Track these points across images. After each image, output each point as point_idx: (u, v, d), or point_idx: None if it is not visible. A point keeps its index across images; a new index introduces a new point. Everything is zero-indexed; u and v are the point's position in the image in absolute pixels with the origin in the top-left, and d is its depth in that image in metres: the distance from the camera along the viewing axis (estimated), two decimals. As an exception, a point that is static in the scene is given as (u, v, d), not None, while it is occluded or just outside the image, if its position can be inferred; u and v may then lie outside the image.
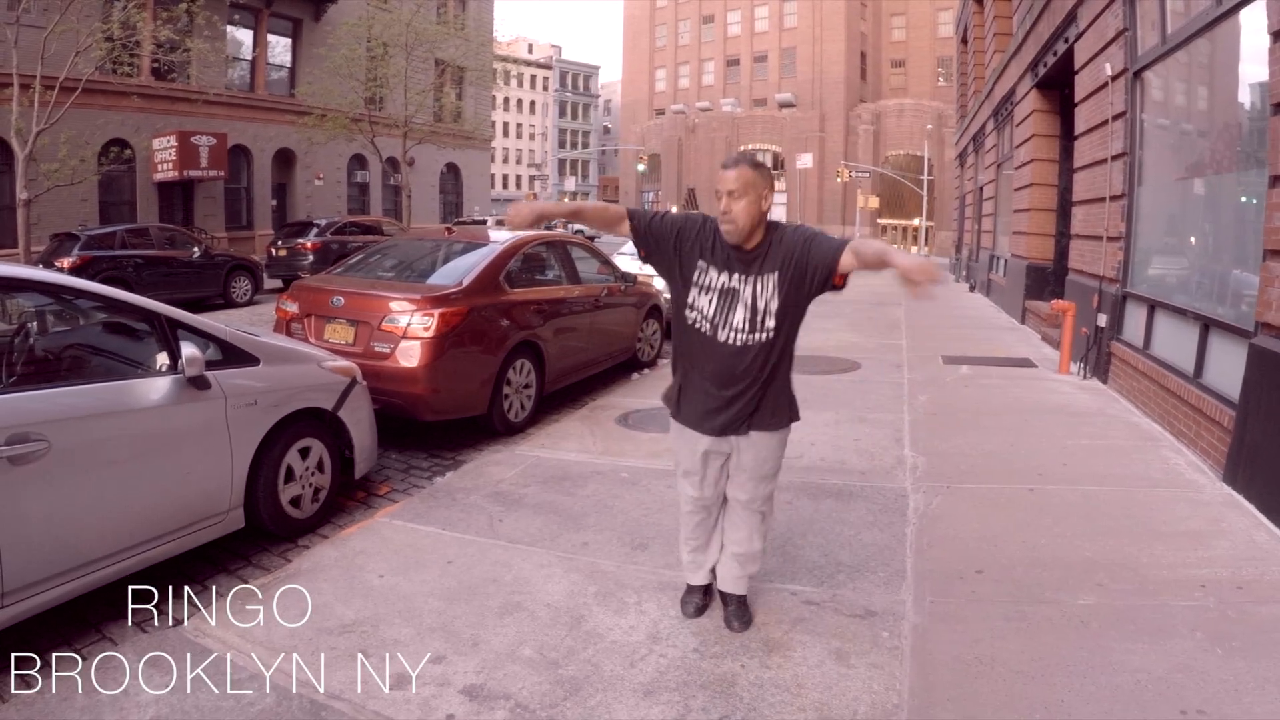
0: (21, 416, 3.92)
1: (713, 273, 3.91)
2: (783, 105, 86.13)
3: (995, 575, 4.87)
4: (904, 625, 4.29)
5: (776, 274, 3.82)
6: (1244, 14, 7.23)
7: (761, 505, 4.22)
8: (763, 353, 3.89)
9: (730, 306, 3.88)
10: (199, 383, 4.81)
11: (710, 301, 3.91)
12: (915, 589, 4.71)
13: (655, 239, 4.02)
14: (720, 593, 4.46)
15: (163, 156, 28.25)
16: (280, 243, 24.48)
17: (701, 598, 4.49)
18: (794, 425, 4.19)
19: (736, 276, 3.87)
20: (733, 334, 3.88)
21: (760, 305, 3.84)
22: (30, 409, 4.00)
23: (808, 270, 3.79)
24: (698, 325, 3.95)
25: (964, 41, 32.96)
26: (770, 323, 3.85)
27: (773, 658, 3.99)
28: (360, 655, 4.01)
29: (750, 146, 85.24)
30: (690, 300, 3.96)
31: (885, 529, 5.61)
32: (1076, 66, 12.45)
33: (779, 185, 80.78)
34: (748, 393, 3.94)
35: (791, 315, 3.90)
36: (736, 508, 4.24)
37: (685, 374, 4.11)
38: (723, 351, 3.91)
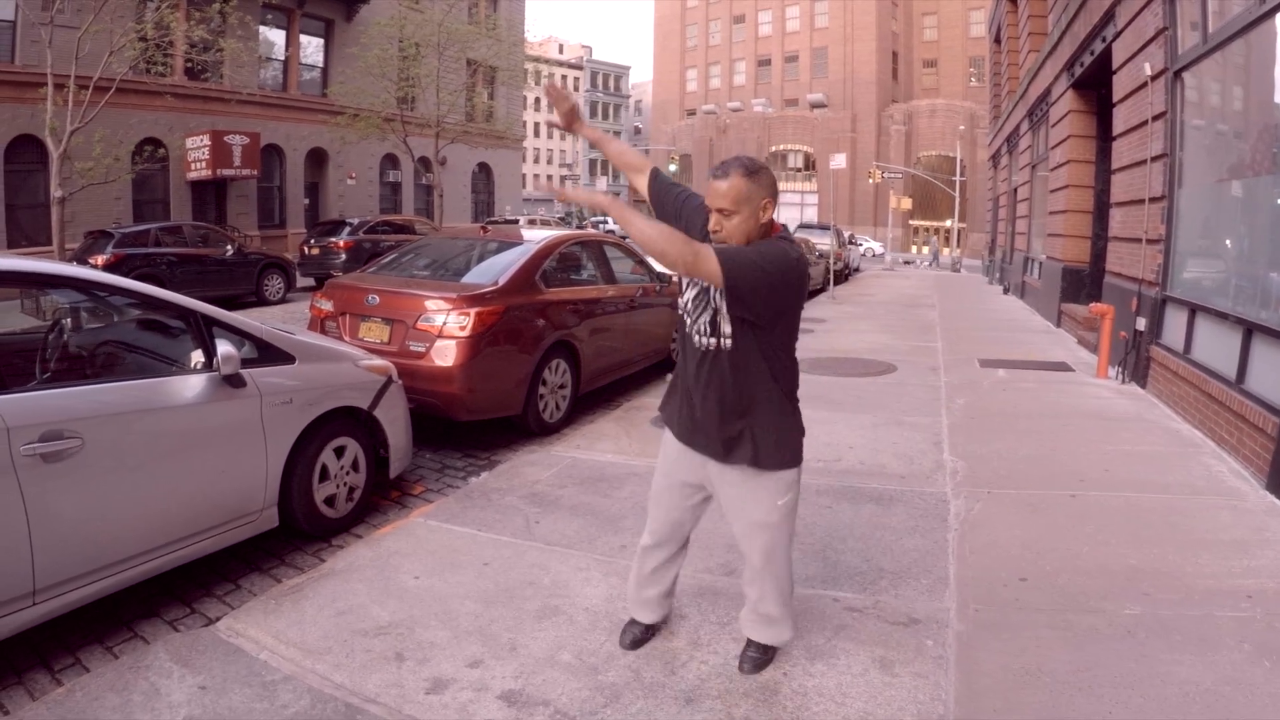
0: (55, 413, 3.91)
1: None
2: (814, 105, 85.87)
3: (1039, 583, 4.79)
4: (948, 634, 4.22)
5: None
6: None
7: (759, 557, 3.70)
8: (727, 363, 3.45)
9: (701, 305, 3.49)
10: (234, 381, 4.80)
11: (690, 295, 3.56)
12: (959, 596, 4.63)
13: (663, 206, 3.80)
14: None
15: (196, 155, 28.44)
16: (313, 241, 24.63)
17: (641, 631, 4.16)
18: (815, 444, 3.65)
19: None
20: (699, 335, 3.49)
21: (724, 328, 3.40)
22: (64, 406, 4.00)
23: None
24: (683, 316, 3.62)
25: (997, 41, 32.81)
26: (726, 329, 3.40)
27: (816, 665, 3.92)
28: (396, 658, 3.97)
29: (781, 147, 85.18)
30: (682, 287, 3.64)
31: (926, 535, 5.54)
32: (1114, 66, 12.32)
33: (809, 186, 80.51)
34: (716, 407, 3.52)
35: (749, 331, 3.39)
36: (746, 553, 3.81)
37: (677, 371, 3.78)
38: (693, 350, 3.56)
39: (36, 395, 3.99)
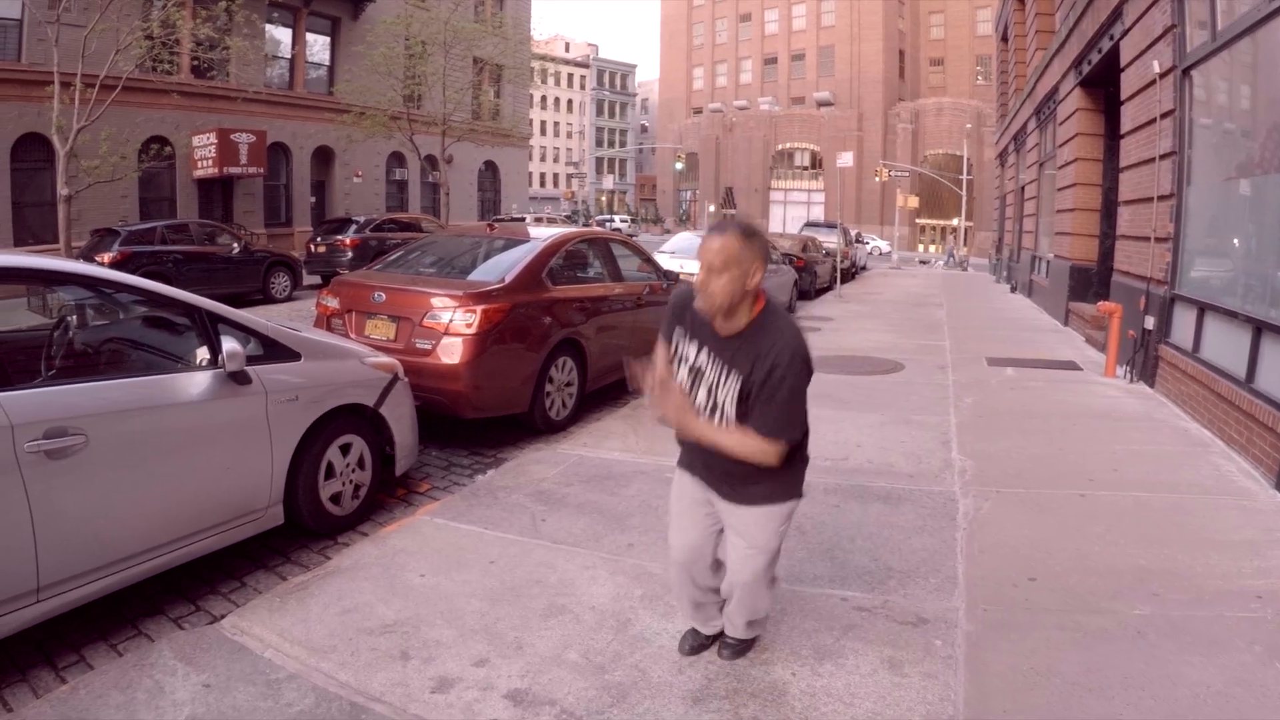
0: (60, 410, 3.90)
1: (685, 342, 3.54)
2: (821, 104, 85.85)
3: (1048, 583, 4.76)
4: (957, 634, 4.19)
5: (741, 380, 3.32)
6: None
7: (748, 575, 3.68)
8: (730, 425, 3.40)
9: (695, 385, 3.49)
10: (239, 378, 4.78)
11: (683, 373, 3.53)
12: (968, 596, 4.61)
13: (667, 332, 3.67)
14: None
15: (202, 154, 28.41)
16: (319, 239, 24.65)
17: (699, 638, 4.11)
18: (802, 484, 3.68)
19: (705, 354, 3.45)
20: (700, 412, 3.47)
21: (720, 400, 3.40)
22: (68, 403, 3.99)
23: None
24: (676, 370, 3.59)
25: (1004, 39, 32.79)
26: (731, 417, 3.39)
27: (824, 665, 3.90)
28: (401, 656, 3.96)
29: (788, 145, 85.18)
30: (676, 364, 3.60)
31: (935, 534, 5.50)
32: (1122, 64, 12.27)
33: (816, 184, 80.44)
34: (724, 463, 3.45)
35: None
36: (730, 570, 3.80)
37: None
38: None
39: (40, 392, 3.98)
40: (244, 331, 5.02)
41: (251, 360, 4.92)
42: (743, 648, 4.04)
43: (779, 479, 3.52)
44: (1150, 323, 10.26)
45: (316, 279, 23.01)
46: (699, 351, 3.47)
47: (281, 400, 5.08)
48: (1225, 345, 8.27)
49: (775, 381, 3.22)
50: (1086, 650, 4.01)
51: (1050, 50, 19.01)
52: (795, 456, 3.54)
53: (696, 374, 3.48)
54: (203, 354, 4.76)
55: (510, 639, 4.13)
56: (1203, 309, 8.97)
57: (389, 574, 4.86)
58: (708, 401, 3.43)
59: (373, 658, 3.95)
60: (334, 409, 5.53)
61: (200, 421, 4.63)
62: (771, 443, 3.24)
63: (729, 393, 3.36)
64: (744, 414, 3.35)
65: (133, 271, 13.81)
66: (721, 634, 4.07)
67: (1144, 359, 10.47)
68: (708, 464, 3.57)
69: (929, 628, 4.26)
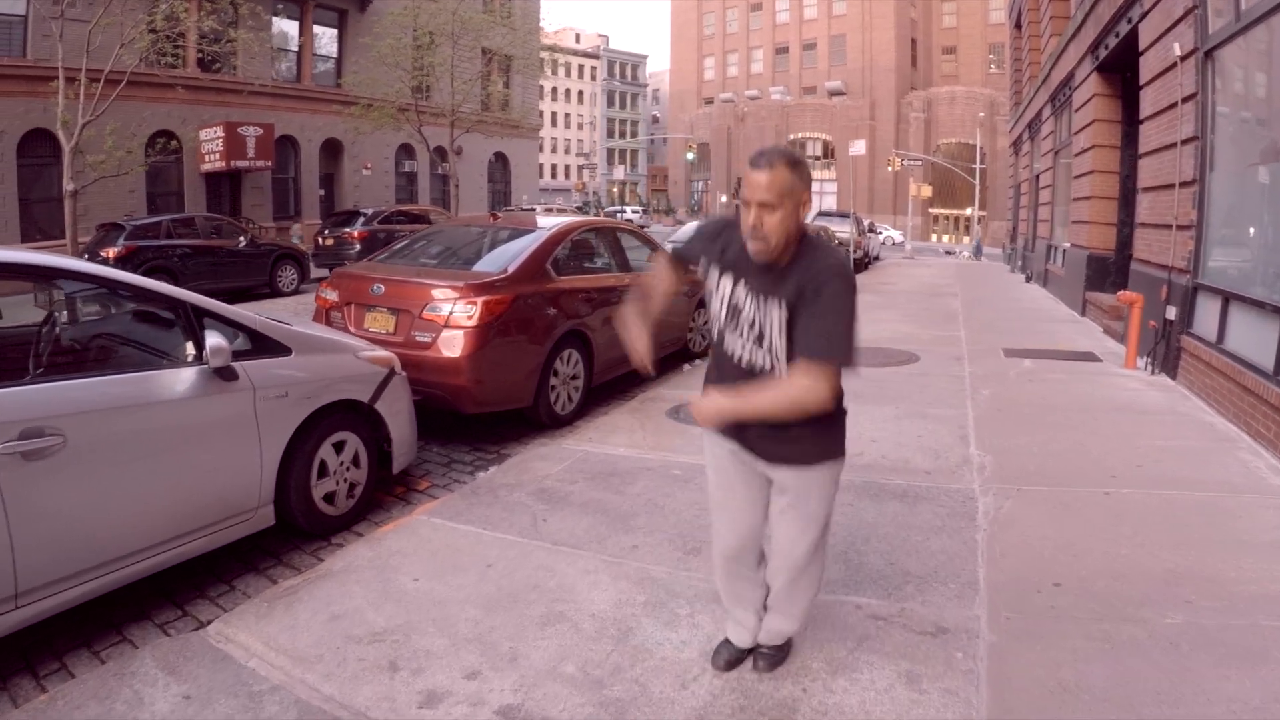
0: (36, 409, 3.78)
1: (716, 275, 3.33)
2: (832, 93, 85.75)
3: (1074, 589, 4.53)
4: (979, 645, 3.96)
5: (786, 307, 3.09)
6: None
7: (807, 551, 3.46)
8: (778, 376, 3.19)
9: (732, 319, 3.27)
10: (225, 374, 4.64)
11: (717, 308, 3.35)
12: (989, 603, 4.38)
13: (691, 256, 3.57)
14: None
15: (210, 147, 28.39)
16: (327, 232, 24.62)
17: (734, 652, 3.84)
18: (849, 438, 3.45)
19: (743, 288, 3.22)
20: (742, 350, 3.27)
21: (766, 329, 3.17)
22: (45, 402, 3.86)
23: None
24: (721, 319, 3.36)
25: (1017, 26, 32.60)
26: (780, 346, 3.16)
27: (837, 680, 3.67)
28: (390, 667, 3.78)
29: (800, 135, 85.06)
30: (714, 288, 3.36)
31: (954, 535, 5.27)
32: (1141, 48, 12.07)
33: (828, 174, 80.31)
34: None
35: None
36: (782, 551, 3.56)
37: (715, 368, 3.53)
38: (731, 370, 3.33)
39: (16, 392, 3.85)
40: (231, 326, 4.89)
41: (239, 355, 4.79)
42: (780, 656, 3.80)
43: (832, 431, 3.36)
44: (1172, 313, 10.04)
45: (324, 272, 22.92)
46: (735, 286, 3.25)
47: (270, 396, 4.94)
48: (1251, 336, 8.04)
49: (823, 295, 3.00)
50: (1116, 662, 3.79)
51: (1065, 36, 18.80)
52: (838, 405, 3.35)
53: (734, 310, 3.25)
54: (187, 350, 4.64)
55: (504, 649, 3.94)
56: (1227, 298, 8.75)
57: (382, 577, 4.69)
58: (750, 333, 3.21)
59: (360, 669, 3.77)
60: (327, 405, 5.39)
61: (184, 420, 4.49)
62: (822, 365, 2.96)
63: (774, 322, 3.13)
64: (790, 340, 3.12)
65: (138, 266, 13.77)
66: (756, 645, 3.83)
67: (1165, 350, 10.25)
68: (747, 424, 3.30)
69: (949, 638, 4.03)
